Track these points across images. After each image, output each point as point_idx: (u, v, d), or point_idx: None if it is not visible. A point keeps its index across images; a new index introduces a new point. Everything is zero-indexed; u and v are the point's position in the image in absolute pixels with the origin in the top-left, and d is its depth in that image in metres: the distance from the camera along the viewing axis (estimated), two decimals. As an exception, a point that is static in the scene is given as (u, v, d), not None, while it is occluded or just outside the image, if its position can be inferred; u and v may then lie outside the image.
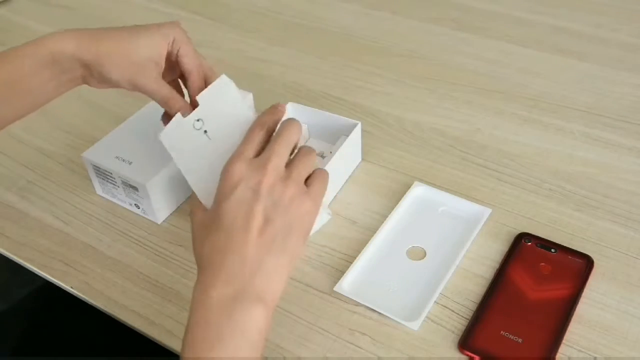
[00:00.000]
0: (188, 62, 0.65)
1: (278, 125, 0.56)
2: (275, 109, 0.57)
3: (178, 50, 0.64)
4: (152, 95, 0.64)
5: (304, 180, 0.54)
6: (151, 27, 0.64)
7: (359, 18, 1.08)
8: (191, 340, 0.47)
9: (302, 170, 0.54)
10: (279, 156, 0.53)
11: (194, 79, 0.65)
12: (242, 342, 0.47)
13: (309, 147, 0.56)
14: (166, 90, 0.64)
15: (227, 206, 0.50)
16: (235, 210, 0.50)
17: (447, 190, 0.74)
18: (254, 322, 0.48)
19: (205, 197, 0.56)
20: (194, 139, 0.58)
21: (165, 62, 0.65)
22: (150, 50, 0.63)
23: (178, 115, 0.58)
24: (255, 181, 0.51)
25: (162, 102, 0.64)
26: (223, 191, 0.51)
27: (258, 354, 0.48)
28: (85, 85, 0.65)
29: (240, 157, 0.52)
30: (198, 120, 0.58)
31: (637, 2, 1.05)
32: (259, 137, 0.55)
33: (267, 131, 0.56)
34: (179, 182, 0.75)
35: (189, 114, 0.58)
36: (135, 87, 0.63)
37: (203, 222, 0.53)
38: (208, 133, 0.59)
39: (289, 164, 0.53)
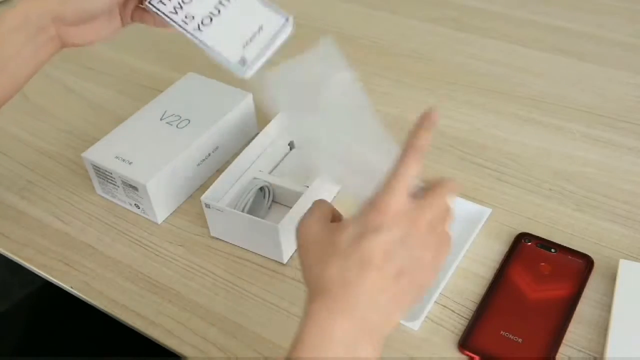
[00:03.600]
0: None
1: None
2: (429, 123, 0.51)
3: None
4: None
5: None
6: None
7: (359, 18, 1.08)
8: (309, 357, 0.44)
9: (445, 224, 0.50)
10: (434, 209, 0.48)
11: None
12: None
13: (452, 192, 0.50)
14: None
15: (371, 243, 0.45)
16: (377, 250, 0.45)
17: (447, 190, 0.74)
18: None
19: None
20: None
21: None
22: None
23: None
24: (407, 231, 0.46)
25: None
26: (371, 224, 0.46)
27: None
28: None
29: (399, 193, 0.47)
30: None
31: (638, 2, 1.05)
32: (415, 168, 0.49)
33: (421, 156, 0.50)
34: (179, 182, 0.75)
35: None
36: None
37: (325, 239, 0.48)
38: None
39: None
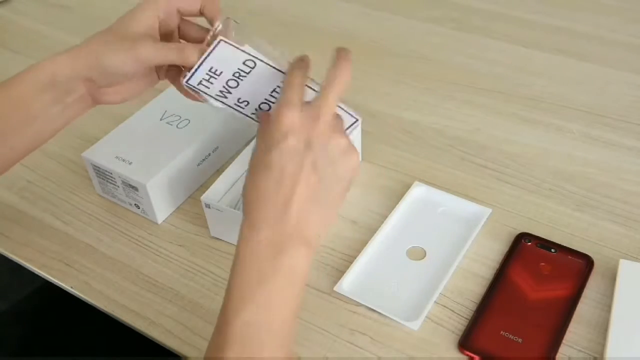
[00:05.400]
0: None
1: (330, 70, 0.54)
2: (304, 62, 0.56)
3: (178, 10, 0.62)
4: (163, 56, 0.59)
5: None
6: (133, 9, 0.62)
7: (359, 18, 1.08)
8: (239, 273, 0.50)
9: (338, 132, 0.54)
10: (330, 107, 0.52)
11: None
12: (285, 281, 0.50)
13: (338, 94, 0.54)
14: (174, 44, 0.61)
15: (278, 154, 0.50)
16: (286, 160, 0.50)
17: (447, 190, 0.74)
18: (298, 264, 0.51)
19: None
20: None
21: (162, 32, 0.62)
22: (139, 25, 0.60)
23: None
24: (308, 133, 0.51)
25: (177, 56, 0.59)
26: (274, 137, 0.51)
27: (299, 292, 0.51)
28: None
29: (290, 105, 0.51)
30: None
31: (638, 2, 1.05)
32: (300, 80, 0.53)
33: (305, 74, 0.55)
34: (179, 182, 0.75)
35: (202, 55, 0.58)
36: (143, 60, 0.59)
37: (253, 162, 0.53)
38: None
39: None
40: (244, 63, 0.58)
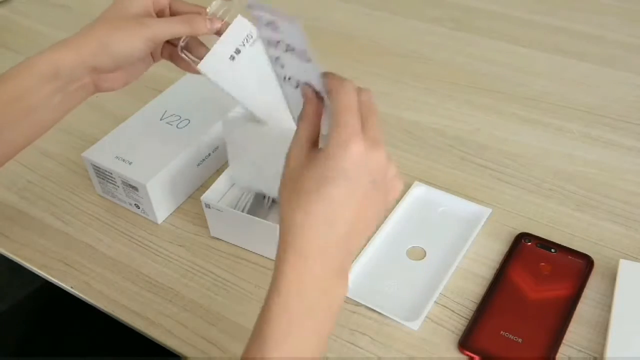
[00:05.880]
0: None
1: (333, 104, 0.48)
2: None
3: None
4: (172, 30, 0.60)
5: None
6: None
7: (359, 18, 1.08)
8: (284, 305, 0.46)
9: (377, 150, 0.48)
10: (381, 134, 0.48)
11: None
12: (330, 314, 0.48)
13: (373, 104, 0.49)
14: (178, 17, 0.61)
15: (341, 189, 0.45)
16: (348, 200, 0.46)
17: (447, 190, 0.74)
18: (340, 297, 0.48)
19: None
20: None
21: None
22: (136, 7, 0.61)
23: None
24: (376, 173, 0.47)
25: (186, 27, 0.60)
26: (341, 168, 0.45)
27: (335, 323, 0.49)
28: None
29: (355, 137, 0.45)
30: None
31: (637, 2, 1.05)
32: (355, 102, 0.47)
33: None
34: (179, 182, 0.75)
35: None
36: (152, 37, 0.60)
37: (306, 184, 0.47)
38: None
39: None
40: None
